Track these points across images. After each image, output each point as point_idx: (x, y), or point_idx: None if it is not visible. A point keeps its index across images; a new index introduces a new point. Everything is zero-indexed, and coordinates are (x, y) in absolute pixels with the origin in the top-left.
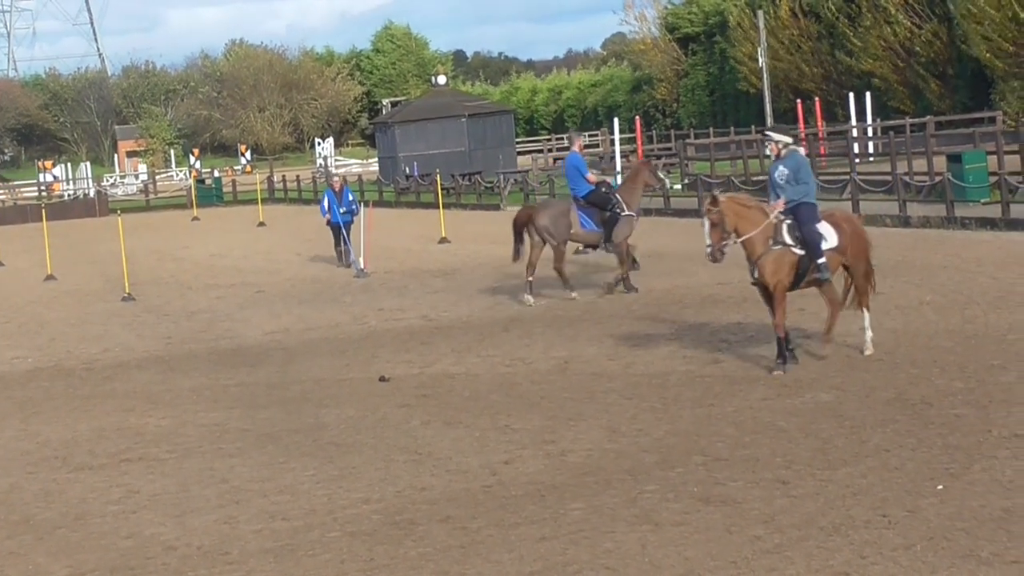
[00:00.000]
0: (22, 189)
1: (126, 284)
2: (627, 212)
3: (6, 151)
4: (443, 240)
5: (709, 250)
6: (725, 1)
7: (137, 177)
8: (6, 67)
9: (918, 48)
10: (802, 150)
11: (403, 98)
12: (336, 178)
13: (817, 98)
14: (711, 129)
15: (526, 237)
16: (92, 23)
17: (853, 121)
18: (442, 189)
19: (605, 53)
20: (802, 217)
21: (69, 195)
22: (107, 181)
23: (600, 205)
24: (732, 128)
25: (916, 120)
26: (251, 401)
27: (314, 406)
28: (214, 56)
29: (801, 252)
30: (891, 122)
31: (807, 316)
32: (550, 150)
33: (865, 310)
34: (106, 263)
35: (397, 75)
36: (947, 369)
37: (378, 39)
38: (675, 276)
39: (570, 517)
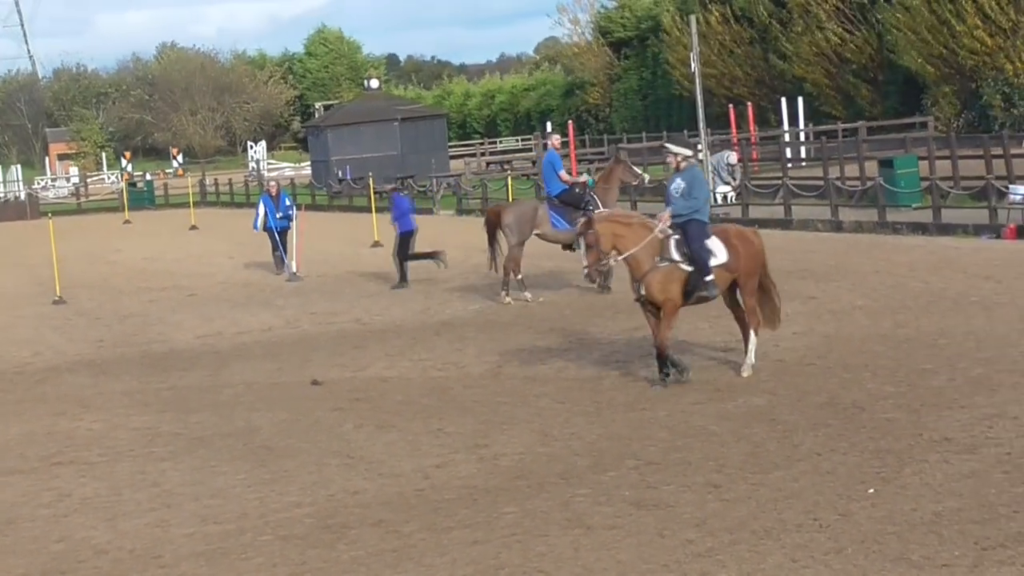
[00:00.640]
0: None
1: (57, 287)
2: (602, 210)
3: None
4: (376, 244)
5: (585, 271)
6: (658, 6)
7: (68, 180)
8: None
9: (849, 54)
10: (723, 156)
11: (336, 102)
12: (273, 183)
13: (750, 103)
14: (644, 134)
15: (500, 238)
16: (23, 25)
17: (786, 126)
18: (375, 193)
19: (538, 57)
20: (691, 234)
21: None
22: (38, 184)
23: (573, 204)
24: (665, 133)
25: (848, 125)
26: (183, 405)
27: (246, 410)
28: (146, 59)
29: (690, 268)
30: (823, 127)
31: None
32: (483, 154)
33: (753, 332)
34: (37, 266)
35: (329, 79)
36: (879, 373)
37: (310, 42)
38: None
39: (503, 521)
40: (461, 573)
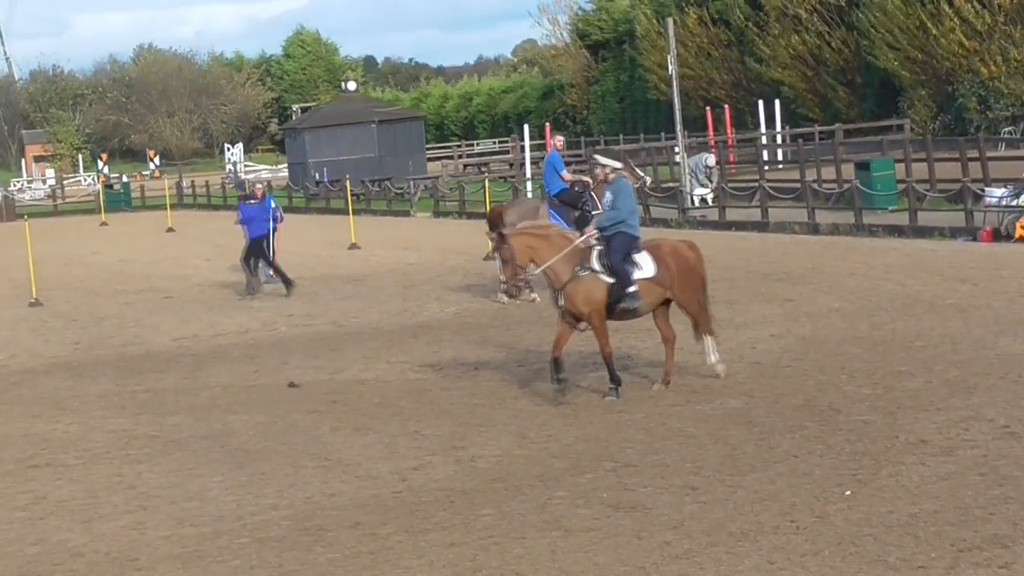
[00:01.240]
0: None
1: (33, 289)
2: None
3: None
4: (353, 246)
5: (504, 286)
6: (635, 9)
7: (45, 182)
8: None
9: (827, 56)
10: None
11: (313, 104)
12: (259, 185)
13: (727, 106)
14: (621, 136)
15: None
16: None
17: (763, 129)
18: (352, 195)
19: (516, 60)
20: (613, 246)
21: None
22: (14, 186)
23: (571, 203)
24: (642, 135)
25: (825, 128)
26: (159, 407)
27: (223, 412)
28: (123, 61)
29: (611, 279)
30: (800, 130)
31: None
32: (460, 156)
33: (708, 336)
34: (13, 268)
35: (307, 81)
36: (855, 375)
37: (288, 44)
38: None
39: (480, 523)
40: (438, 575)
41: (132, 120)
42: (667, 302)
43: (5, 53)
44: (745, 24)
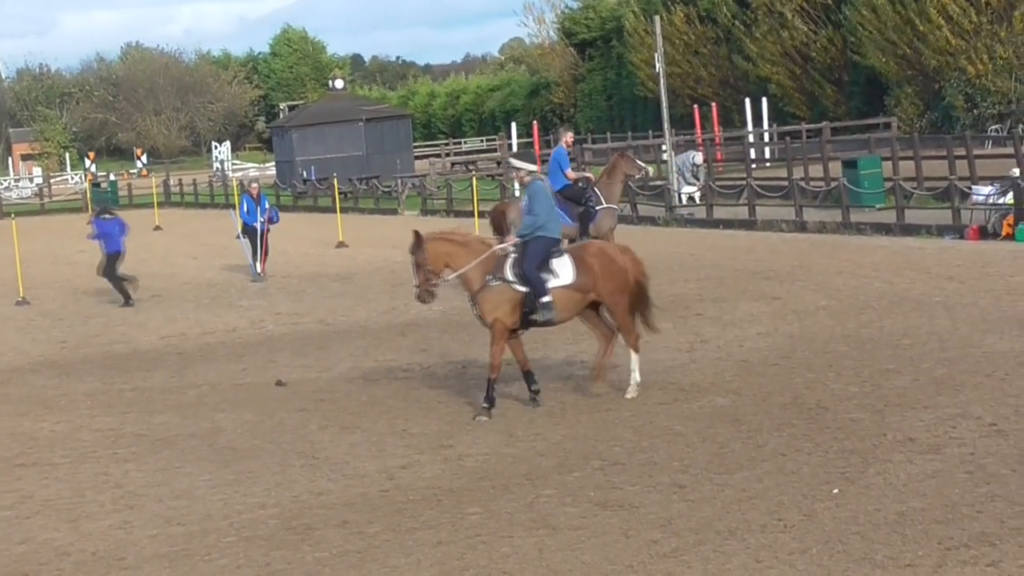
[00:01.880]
0: None
1: (20, 288)
2: (604, 205)
3: None
4: (340, 244)
5: (416, 291)
6: (622, 7)
7: (32, 180)
8: None
9: (814, 54)
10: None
11: (300, 102)
12: (255, 184)
13: (714, 103)
14: (608, 134)
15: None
16: None
17: (750, 126)
18: (339, 193)
19: (503, 58)
20: (527, 252)
21: None
22: (1, 185)
23: (574, 199)
24: (630, 133)
25: (812, 126)
26: (146, 406)
27: (210, 410)
28: (110, 59)
29: (524, 289)
30: (787, 128)
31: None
32: (448, 154)
33: (633, 352)
34: (0, 267)
35: (294, 79)
36: (843, 373)
37: (275, 43)
38: None
39: (467, 522)
40: (426, 574)
41: (119, 118)
42: (595, 305)
43: None
44: (732, 22)
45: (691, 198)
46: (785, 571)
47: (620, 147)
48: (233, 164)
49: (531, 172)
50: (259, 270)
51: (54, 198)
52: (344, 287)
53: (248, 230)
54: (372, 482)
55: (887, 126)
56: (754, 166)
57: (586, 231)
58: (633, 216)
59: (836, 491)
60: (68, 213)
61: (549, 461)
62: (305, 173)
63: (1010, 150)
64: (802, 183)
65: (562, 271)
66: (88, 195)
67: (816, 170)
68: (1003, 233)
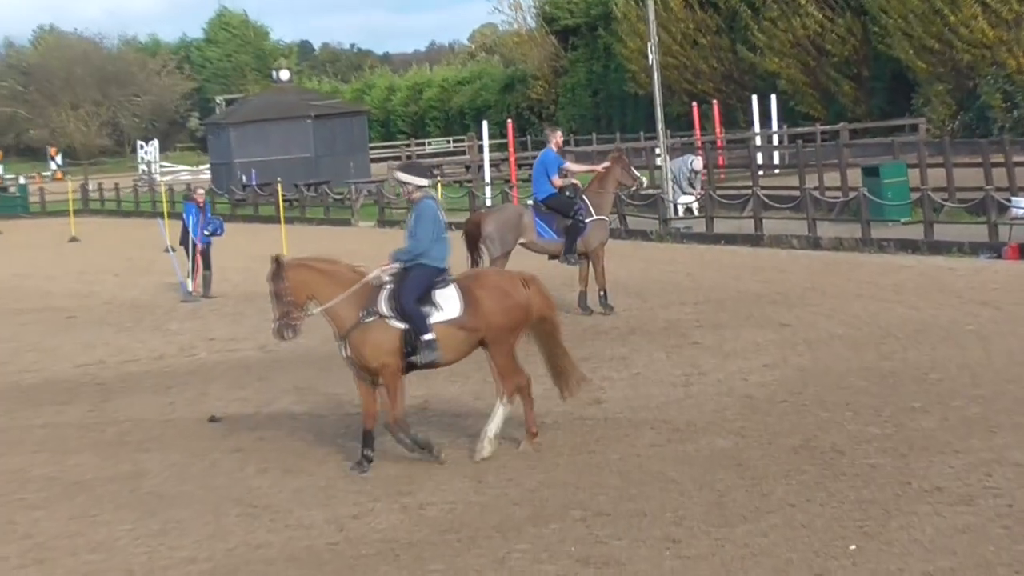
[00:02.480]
0: None
1: None
2: (595, 216)
3: None
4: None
5: (274, 326)
6: None
7: None
8: None
9: (830, 45)
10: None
11: (240, 95)
12: (201, 191)
13: (716, 101)
14: (594, 135)
15: (483, 250)
16: None
17: (756, 128)
18: (284, 201)
19: (473, 47)
20: (406, 284)
21: None
22: None
23: (561, 211)
24: (618, 134)
25: (828, 127)
26: (60, 444)
27: (133, 450)
28: (20, 45)
29: (403, 325)
30: (799, 129)
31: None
32: (409, 157)
33: (500, 402)
34: None
35: (233, 69)
36: (861, 412)
37: (211, 27)
38: None
39: None
40: None
41: (30, 113)
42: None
43: None
44: (737, 6)
45: (688, 209)
46: None
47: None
48: (162, 167)
49: (420, 187)
50: (191, 288)
51: None
52: None
53: (190, 243)
54: (319, 534)
55: (914, 128)
56: (761, 173)
57: (572, 247)
58: (622, 230)
59: (853, 547)
60: None
61: (523, 511)
62: (244, 177)
63: None
64: (816, 193)
65: (447, 304)
66: None
67: (832, 178)
68: None
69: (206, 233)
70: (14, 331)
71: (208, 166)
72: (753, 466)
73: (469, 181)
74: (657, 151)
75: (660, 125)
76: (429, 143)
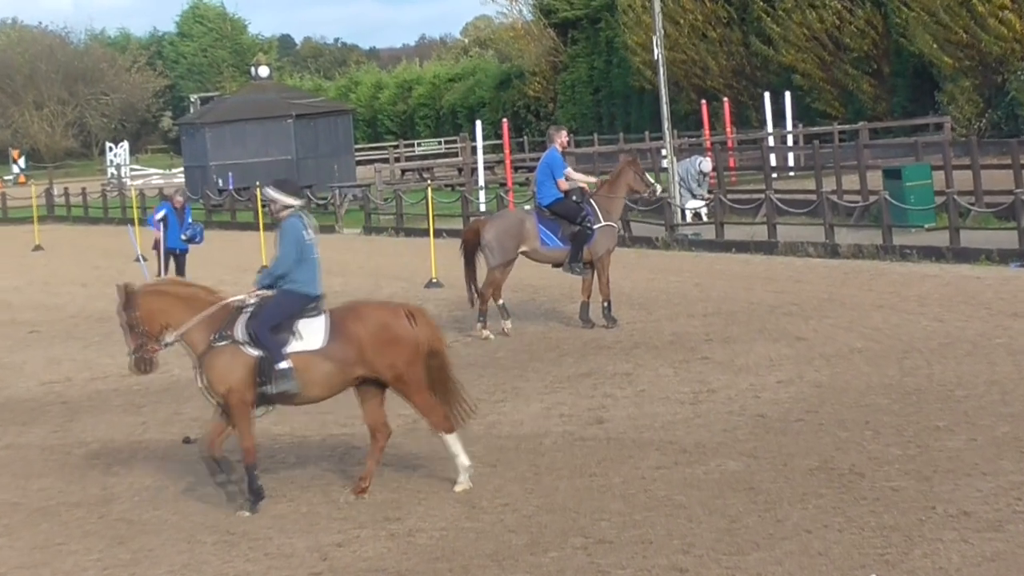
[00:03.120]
0: None
1: None
2: (603, 223)
3: None
4: (264, 269)
5: (131, 359)
6: None
7: None
8: None
9: (848, 39)
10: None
11: (216, 93)
12: (180, 196)
13: (726, 98)
14: (595, 135)
15: (482, 259)
16: None
17: (770, 127)
18: (263, 207)
19: (466, 41)
20: (265, 309)
21: None
22: None
23: (567, 216)
24: (621, 134)
25: (846, 127)
26: (23, 468)
27: (101, 474)
28: None
29: (257, 352)
30: (816, 129)
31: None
32: (397, 159)
33: (444, 434)
34: None
35: (208, 65)
36: (882, 432)
37: (184, 20)
38: (550, 317)
39: None
40: None
41: None
42: (380, 384)
43: None
44: None
45: (697, 214)
46: None
47: (610, 151)
48: (132, 170)
49: (288, 206)
50: None
51: None
52: None
53: (166, 251)
54: (301, 563)
55: (938, 127)
56: (775, 175)
57: (578, 255)
58: (626, 236)
59: None
60: None
61: (520, 538)
62: (221, 181)
63: None
64: (833, 197)
65: (309, 334)
66: None
67: (851, 181)
68: None
69: (183, 238)
70: None
71: (182, 169)
72: (766, 490)
73: (462, 185)
74: (663, 152)
75: (666, 124)
76: (419, 144)
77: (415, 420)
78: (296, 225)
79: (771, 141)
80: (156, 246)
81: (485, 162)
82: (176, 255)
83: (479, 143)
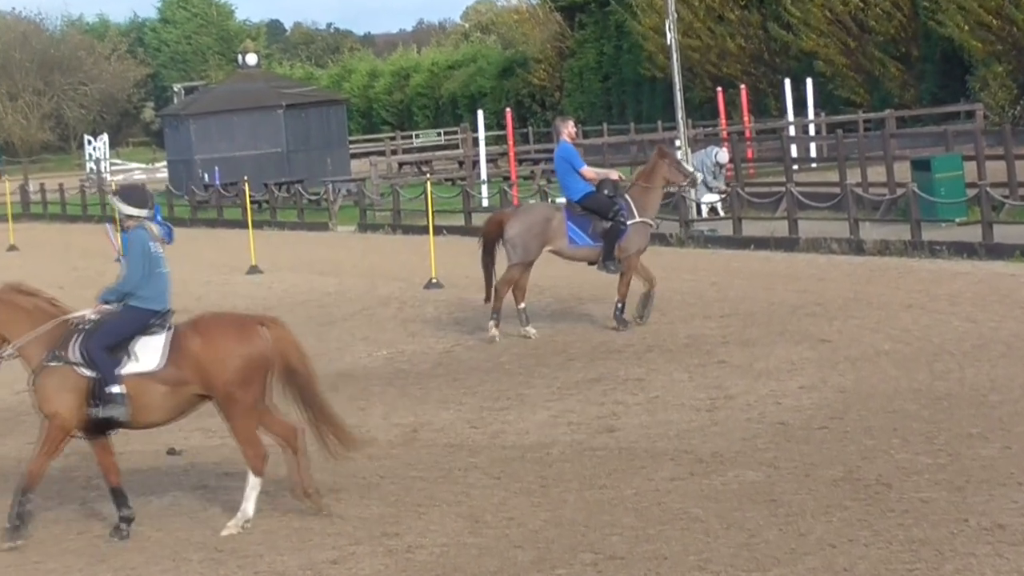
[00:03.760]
0: None
1: None
2: (637, 219)
3: None
4: (253, 270)
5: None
6: None
7: None
8: None
9: (874, 22)
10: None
11: (201, 83)
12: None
13: (743, 85)
14: (605, 125)
15: (500, 254)
16: None
17: (790, 116)
18: (252, 203)
19: (467, 26)
20: (101, 327)
21: None
22: None
23: (599, 212)
24: (632, 124)
25: (872, 115)
26: None
27: (80, 488)
28: None
29: (91, 373)
30: (839, 117)
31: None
32: (394, 152)
33: (252, 474)
34: None
35: (192, 53)
36: (911, 440)
37: (166, 6)
38: (558, 318)
39: None
40: None
41: None
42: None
43: None
44: None
45: (713, 209)
46: None
47: (619, 143)
48: (112, 164)
49: (133, 216)
50: None
51: None
52: None
53: None
54: None
55: (970, 115)
56: (796, 167)
57: (612, 252)
58: None
59: None
60: None
61: (526, 554)
62: (207, 176)
63: None
64: (858, 190)
65: (145, 354)
66: None
67: (877, 173)
68: None
69: None
70: None
71: (165, 163)
72: (787, 502)
73: (463, 179)
74: (677, 143)
75: (680, 113)
76: (417, 136)
77: (414, 429)
78: (142, 237)
79: (791, 131)
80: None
81: (487, 154)
82: None
83: (481, 134)
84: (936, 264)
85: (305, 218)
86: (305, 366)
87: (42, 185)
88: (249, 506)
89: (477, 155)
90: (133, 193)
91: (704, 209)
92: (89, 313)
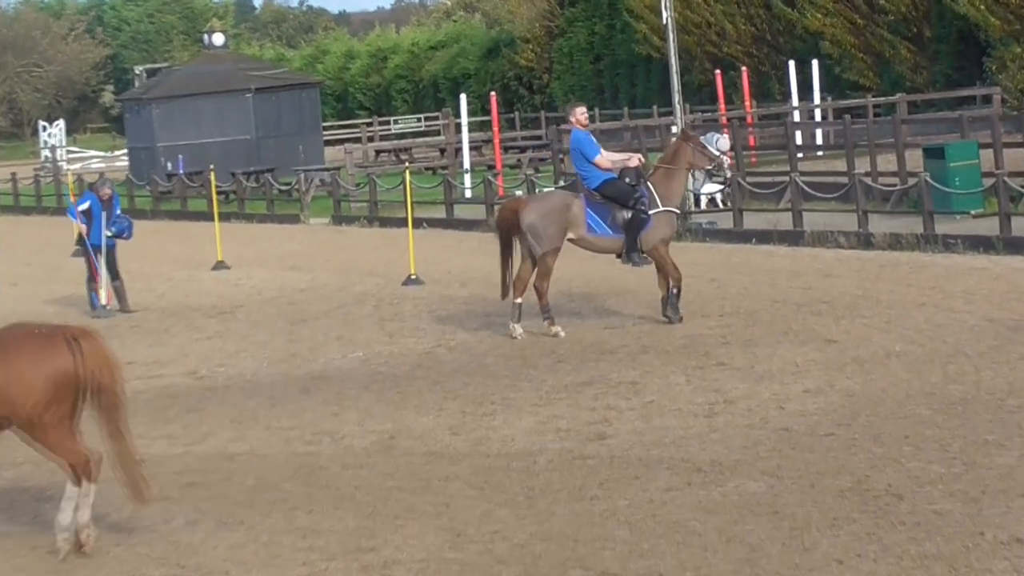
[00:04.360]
0: None
1: None
2: (661, 208)
3: None
4: (219, 265)
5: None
6: None
7: None
8: None
9: (883, 1)
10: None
11: (164, 65)
12: (107, 186)
13: (745, 67)
14: (597, 109)
15: (516, 244)
16: None
17: (795, 100)
18: (218, 193)
19: (450, 4)
20: None
21: None
22: None
23: (619, 200)
24: (626, 108)
25: (881, 99)
26: None
27: (34, 499)
28: None
29: None
30: (847, 102)
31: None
32: (371, 138)
33: (85, 480)
34: None
35: (155, 32)
36: (923, 447)
37: None
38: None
39: None
40: None
41: None
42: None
43: None
44: None
45: (712, 200)
46: None
47: (613, 128)
48: (69, 152)
49: None
50: (103, 301)
51: None
52: (224, 325)
53: (89, 246)
54: None
55: (986, 100)
56: (800, 155)
57: (636, 244)
58: None
59: None
60: None
61: (511, 570)
62: (170, 164)
63: None
64: (868, 180)
65: None
66: None
67: (887, 161)
68: None
69: (108, 234)
70: None
71: (125, 151)
72: (791, 514)
73: (444, 168)
74: (673, 129)
75: (677, 97)
76: (396, 121)
77: (391, 436)
78: None
79: (796, 116)
80: (81, 241)
81: (471, 141)
82: (98, 251)
83: (464, 119)
84: (950, 259)
85: (275, 210)
86: (116, 387)
87: None
88: (86, 514)
89: (460, 142)
90: None
91: (703, 200)
92: None
